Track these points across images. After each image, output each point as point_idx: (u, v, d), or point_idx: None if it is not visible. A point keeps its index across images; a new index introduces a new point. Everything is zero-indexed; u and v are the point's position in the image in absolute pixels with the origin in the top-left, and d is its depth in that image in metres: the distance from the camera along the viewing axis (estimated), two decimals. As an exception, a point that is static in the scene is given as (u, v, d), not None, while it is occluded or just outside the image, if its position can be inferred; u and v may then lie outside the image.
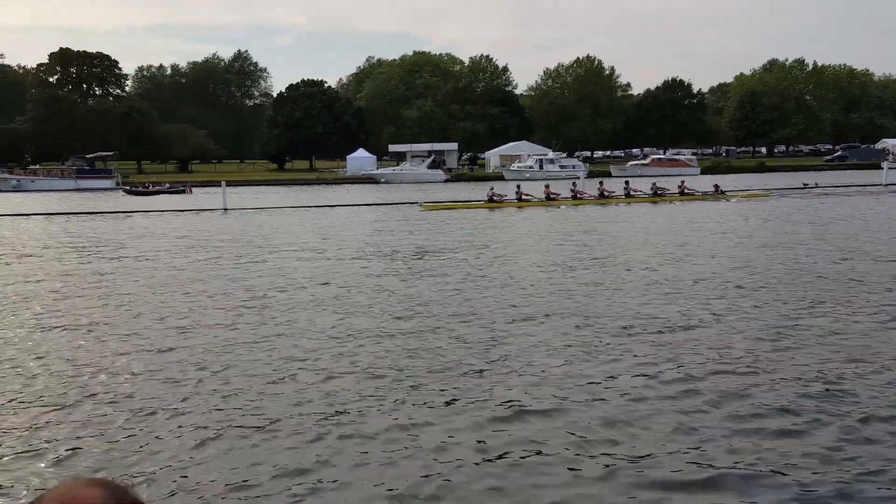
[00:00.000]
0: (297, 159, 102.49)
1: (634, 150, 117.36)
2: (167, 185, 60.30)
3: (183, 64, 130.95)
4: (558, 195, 36.22)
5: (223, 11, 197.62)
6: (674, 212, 30.98)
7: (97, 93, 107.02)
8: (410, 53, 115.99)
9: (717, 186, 39.89)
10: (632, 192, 37.95)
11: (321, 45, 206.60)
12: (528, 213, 31.56)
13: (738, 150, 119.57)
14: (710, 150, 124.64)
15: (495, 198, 35.51)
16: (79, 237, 24.43)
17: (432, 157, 78.78)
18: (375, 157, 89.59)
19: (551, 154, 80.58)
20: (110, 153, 74.00)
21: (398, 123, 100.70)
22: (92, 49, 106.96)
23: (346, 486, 5.51)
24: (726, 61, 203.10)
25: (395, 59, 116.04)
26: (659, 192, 37.89)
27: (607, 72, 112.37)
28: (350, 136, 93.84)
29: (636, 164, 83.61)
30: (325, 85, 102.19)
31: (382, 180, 72.53)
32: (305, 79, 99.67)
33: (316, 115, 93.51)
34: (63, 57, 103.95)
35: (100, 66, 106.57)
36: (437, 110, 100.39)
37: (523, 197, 35.85)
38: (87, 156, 71.24)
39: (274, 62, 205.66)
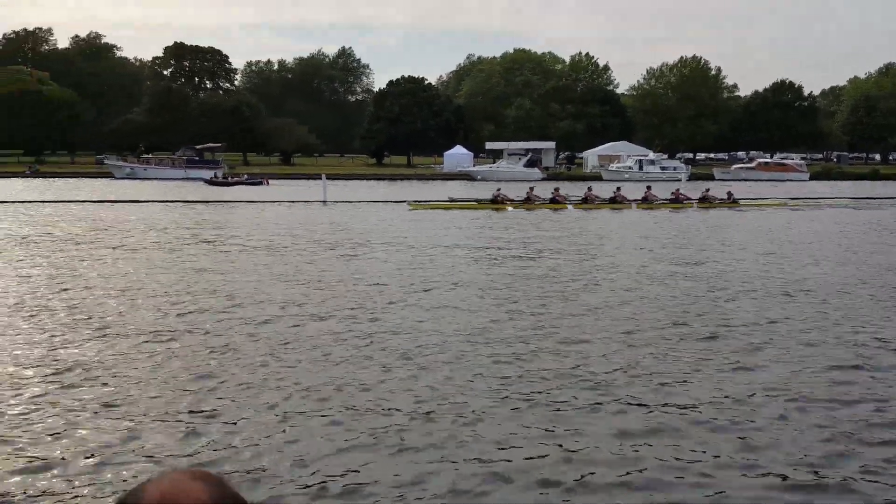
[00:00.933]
0: (395, 155, 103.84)
1: (739, 153, 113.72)
2: (245, 176, 62.52)
3: (290, 60, 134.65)
4: (566, 198, 34.96)
5: (328, 10, 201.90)
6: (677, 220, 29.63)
7: (208, 86, 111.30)
8: (511, 51, 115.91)
9: (730, 194, 37.51)
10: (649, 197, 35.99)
11: (423, 43, 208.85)
12: (539, 215, 30.87)
13: (850, 155, 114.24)
14: (821, 155, 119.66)
15: (499, 198, 34.22)
16: (194, 225, 25.55)
17: (529, 156, 78.46)
18: (472, 154, 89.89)
19: (652, 155, 79.09)
20: (218, 144, 76.70)
21: (497, 121, 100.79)
22: (204, 44, 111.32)
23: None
24: (839, 64, 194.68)
25: (495, 57, 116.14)
26: (681, 199, 35.86)
27: (713, 72, 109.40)
28: (448, 132, 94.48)
29: (741, 168, 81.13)
30: (426, 82, 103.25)
31: (478, 178, 72.69)
32: (406, 75, 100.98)
33: (415, 112, 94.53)
34: (177, 51, 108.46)
35: (211, 61, 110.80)
36: (536, 109, 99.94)
37: (531, 197, 34.64)
38: (197, 146, 74.13)
39: (376, 60, 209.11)
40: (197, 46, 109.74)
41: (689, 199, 35.91)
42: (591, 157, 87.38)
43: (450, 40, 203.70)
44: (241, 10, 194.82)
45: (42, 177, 67.85)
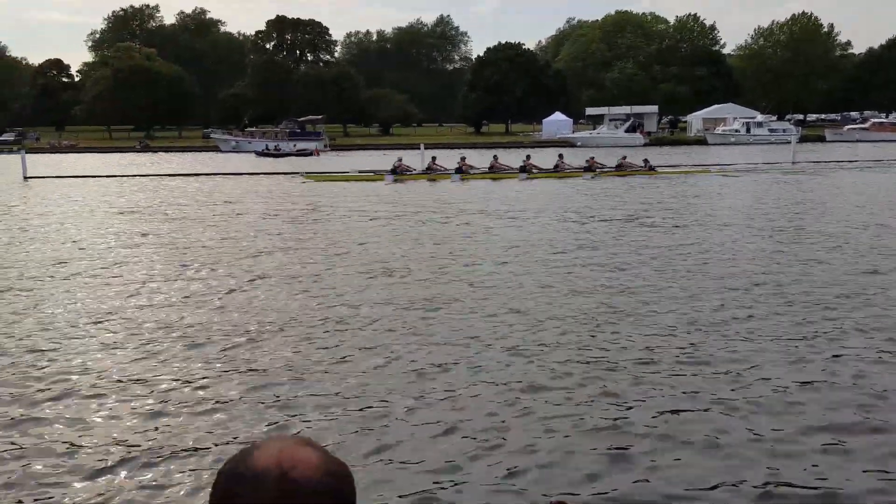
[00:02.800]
0: (493, 123, 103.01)
1: (853, 114, 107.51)
2: (294, 146, 63.13)
3: (388, 30, 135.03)
4: (472, 168, 33.03)
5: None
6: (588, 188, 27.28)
7: (309, 59, 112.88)
8: (612, 13, 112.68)
9: (646, 161, 34.03)
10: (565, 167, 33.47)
11: (521, 8, 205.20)
12: (442, 186, 29.03)
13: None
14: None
15: (400, 170, 32.51)
16: (299, 196, 25.73)
17: (630, 121, 76.36)
18: (572, 120, 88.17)
19: (760, 117, 75.66)
20: (319, 116, 77.70)
21: (598, 86, 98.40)
22: (305, 17, 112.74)
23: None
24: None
25: (596, 20, 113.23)
26: (593, 167, 32.84)
27: (825, 29, 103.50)
28: (547, 99, 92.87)
29: (854, 129, 76.73)
30: (524, 48, 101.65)
31: (578, 144, 71.22)
32: (504, 42, 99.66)
33: (513, 79, 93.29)
34: (279, 24, 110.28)
35: (312, 33, 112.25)
36: (638, 72, 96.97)
37: (433, 167, 32.84)
38: (299, 119, 75.30)
39: (475, 27, 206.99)
40: (298, 19, 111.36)
41: (605, 166, 33.12)
42: (695, 120, 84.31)
43: (549, 4, 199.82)
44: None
45: (152, 151, 70.36)
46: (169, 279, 11.47)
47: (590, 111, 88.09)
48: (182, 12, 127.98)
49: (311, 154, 58.54)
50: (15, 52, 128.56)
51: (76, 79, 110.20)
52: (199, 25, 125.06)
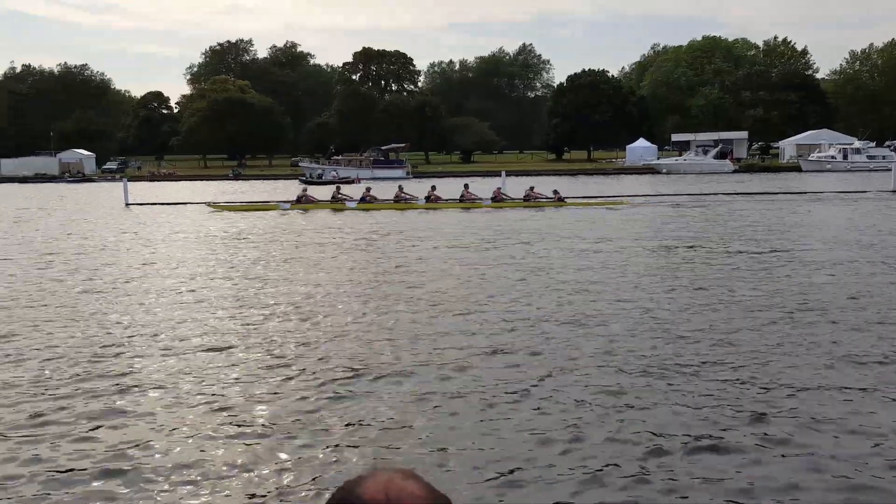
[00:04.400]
0: (575, 149, 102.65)
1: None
2: (335, 174, 64.51)
3: (471, 59, 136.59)
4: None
5: (512, 7, 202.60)
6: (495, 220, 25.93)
7: (393, 88, 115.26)
8: (699, 38, 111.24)
9: (556, 192, 32.14)
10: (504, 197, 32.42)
11: (605, 34, 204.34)
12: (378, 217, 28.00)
13: None
14: None
15: (303, 199, 31.95)
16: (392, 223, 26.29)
17: (719, 147, 74.95)
18: (656, 147, 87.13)
19: (857, 143, 73.08)
20: (402, 144, 79.03)
21: (683, 112, 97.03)
22: (390, 48, 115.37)
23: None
24: None
25: (681, 46, 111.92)
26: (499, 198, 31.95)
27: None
28: (631, 125, 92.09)
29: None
30: (608, 74, 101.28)
31: (664, 171, 70.30)
32: (587, 68, 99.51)
33: (595, 105, 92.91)
34: (365, 56, 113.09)
35: (396, 64, 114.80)
36: (725, 98, 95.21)
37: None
38: (382, 147, 76.79)
39: (557, 54, 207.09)
40: (383, 51, 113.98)
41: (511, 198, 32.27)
42: (787, 147, 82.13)
43: (633, 31, 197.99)
44: (425, 13, 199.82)
45: (243, 179, 72.82)
46: (252, 300, 11.98)
47: (675, 137, 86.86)
48: (274, 46, 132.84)
49: (352, 182, 59.08)
50: (118, 84, 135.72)
51: (175, 110, 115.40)
52: (290, 58, 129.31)
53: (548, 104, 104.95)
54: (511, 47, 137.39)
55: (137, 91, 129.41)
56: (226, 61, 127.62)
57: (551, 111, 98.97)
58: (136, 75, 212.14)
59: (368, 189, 32.92)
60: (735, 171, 68.28)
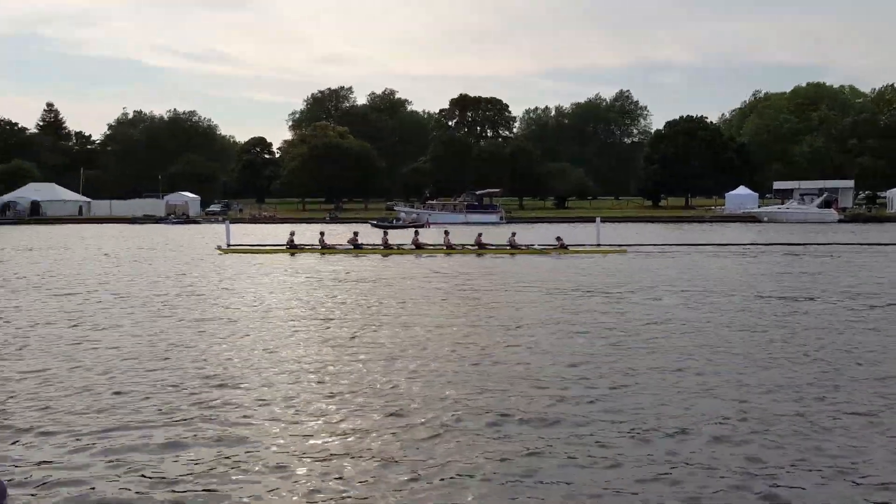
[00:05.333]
0: (672, 196, 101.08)
1: None
2: (407, 220, 66.25)
3: (566, 105, 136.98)
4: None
5: (610, 54, 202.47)
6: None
7: (488, 134, 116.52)
8: (803, 85, 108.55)
9: (559, 239, 32.30)
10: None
11: (705, 81, 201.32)
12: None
13: None
14: None
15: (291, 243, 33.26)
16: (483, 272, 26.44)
17: (823, 196, 72.47)
18: (757, 194, 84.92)
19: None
20: (497, 190, 79.50)
21: (785, 160, 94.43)
22: (486, 94, 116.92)
23: None
24: None
25: (783, 92, 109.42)
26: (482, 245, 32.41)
27: None
28: (730, 172, 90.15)
29: None
30: (707, 120, 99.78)
31: (765, 219, 68.35)
32: (685, 115, 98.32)
33: (694, 152, 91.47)
34: (461, 102, 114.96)
35: (492, 110, 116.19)
36: (830, 145, 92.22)
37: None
38: (477, 192, 77.39)
39: (656, 101, 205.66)
40: (479, 97, 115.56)
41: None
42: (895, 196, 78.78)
43: (734, 77, 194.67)
44: (522, 60, 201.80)
45: (340, 222, 74.42)
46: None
47: (778, 185, 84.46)
48: (373, 93, 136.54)
49: (423, 226, 59.75)
50: (224, 130, 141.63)
51: (276, 154, 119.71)
52: (388, 105, 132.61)
53: (645, 150, 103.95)
54: (607, 93, 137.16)
55: (241, 136, 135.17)
56: (326, 107, 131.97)
57: (648, 157, 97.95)
58: (241, 121, 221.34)
59: (356, 233, 34.35)
60: (840, 221, 65.77)
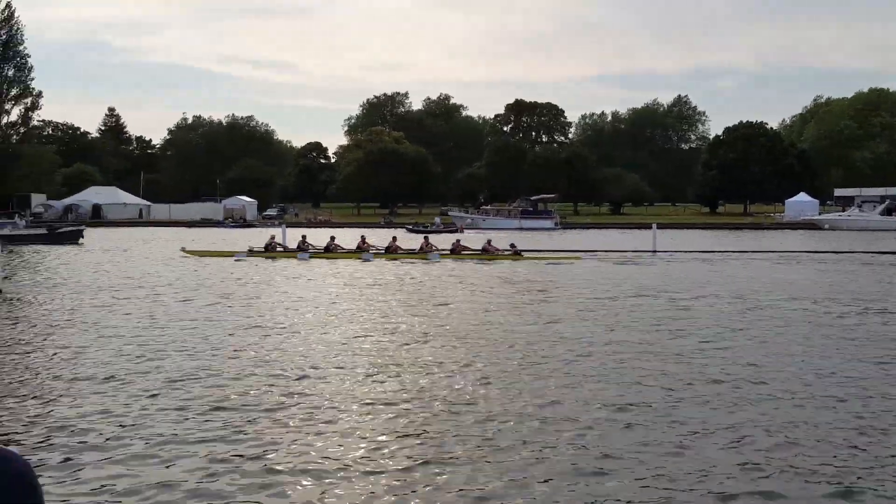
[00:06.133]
0: (730, 203, 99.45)
1: None
2: (438, 221, 67.03)
3: (623, 110, 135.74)
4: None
5: (665, 59, 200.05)
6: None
7: (543, 140, 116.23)
8: (865, 91, 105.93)
9: (513, 245, 31.59)
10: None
11: (764, 86, 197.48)
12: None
13: None
14: None
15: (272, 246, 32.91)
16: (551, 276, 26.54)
17: (886, 203, 70.61)
18: (818, 201, 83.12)
19: None
20: (552, 195, 79.17)
21: (847, 166, 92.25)
22: (542, 100, 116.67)
23: None
24: None
25: (845, 98, 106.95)
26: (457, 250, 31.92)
27: None
28: (791, 179, 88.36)
29: None
30: (766, 126, 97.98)
31: (826, 226, 66.95)
32: (744, 121, 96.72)
33: (753, 158, 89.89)
34: (517, 108, 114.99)
35: (547, 116, 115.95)
36: (893, 152, 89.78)
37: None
38: (532, 198, 77.20)
39: (714, 106, 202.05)
40: (535, 103, 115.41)
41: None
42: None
43: (795, 83, 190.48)
44: (577, 65, 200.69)
45: (394, 227, 74.96)
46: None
47: (839, 192, 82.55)
48: (428, 98, 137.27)
49: (457, 230, 59.62)
50: (281, 135, 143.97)
51: (332, 160, 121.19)
52: (443, 110, 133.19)
53: (702, 156, 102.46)
54: (664, 99, 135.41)
55: (298, 142, 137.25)
56: (382, 113, 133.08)
57: (706, 163, 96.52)
58: (299, 127, 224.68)
59: (333, 238, 34.14)
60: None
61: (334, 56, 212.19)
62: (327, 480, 6.34)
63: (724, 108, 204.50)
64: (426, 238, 34.42)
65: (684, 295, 18.95)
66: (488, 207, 79.86)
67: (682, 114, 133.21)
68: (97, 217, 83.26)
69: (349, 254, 32.14)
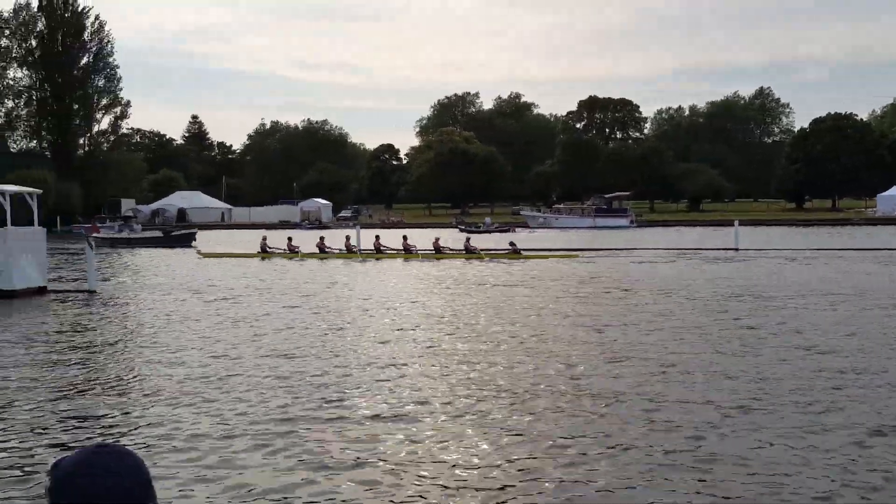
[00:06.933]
0: (817, 198, 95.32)
1: None
2: (495, 224, 64.84)
3: (701, 104, 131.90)
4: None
5: (745, 52, 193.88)
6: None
7: (618, 136, 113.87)
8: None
9: (512, 244, 31.91)
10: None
11: (852, 77, 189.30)
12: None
13: None
14: None
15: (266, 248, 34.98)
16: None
17: None
18: (913, 195, 78.73)
19: None
20: (627, 192, 77.21)
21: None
22: (616, 96, 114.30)
23: None
24: None
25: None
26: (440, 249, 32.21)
27: None
28: (883, 172, 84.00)
29: None
30: (856, 117, 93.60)
31: (923, 222, 63.22)
32: (832, 112, 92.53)
33: (842, 150, 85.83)
34: (590, 104, 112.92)
35: (622, 112, 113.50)
36: None
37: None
38: (606, 195, 75.40)
39: (799, 98, 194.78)
40: (609, 99, 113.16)
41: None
42: None
43: (884, 71, 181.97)
44: (651, 60, 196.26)
45: (466, 227, 74.31)
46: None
47: (935, 185, 78.02)
48: (499, 97, 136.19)
49: (508, 230, 58.77)
50: (354, 138, 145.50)
51: (403, 161, 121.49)
52: (513, 109, 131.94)
53: (786, 150, 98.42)
54: (744, 92, 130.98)
55: (371, 143, 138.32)
56: (452, 113, 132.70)
57: (790, 157, 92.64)
58: (372, 129, 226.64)
59: (322, 238, 35.63)
60: None
61: (406, 57, 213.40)
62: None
63: (808, 100, 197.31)
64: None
65: (778, 294, 17.50)
66: (561, 206, 78.38)
67: (764, 106, 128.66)
68: (182, 220, 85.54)
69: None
